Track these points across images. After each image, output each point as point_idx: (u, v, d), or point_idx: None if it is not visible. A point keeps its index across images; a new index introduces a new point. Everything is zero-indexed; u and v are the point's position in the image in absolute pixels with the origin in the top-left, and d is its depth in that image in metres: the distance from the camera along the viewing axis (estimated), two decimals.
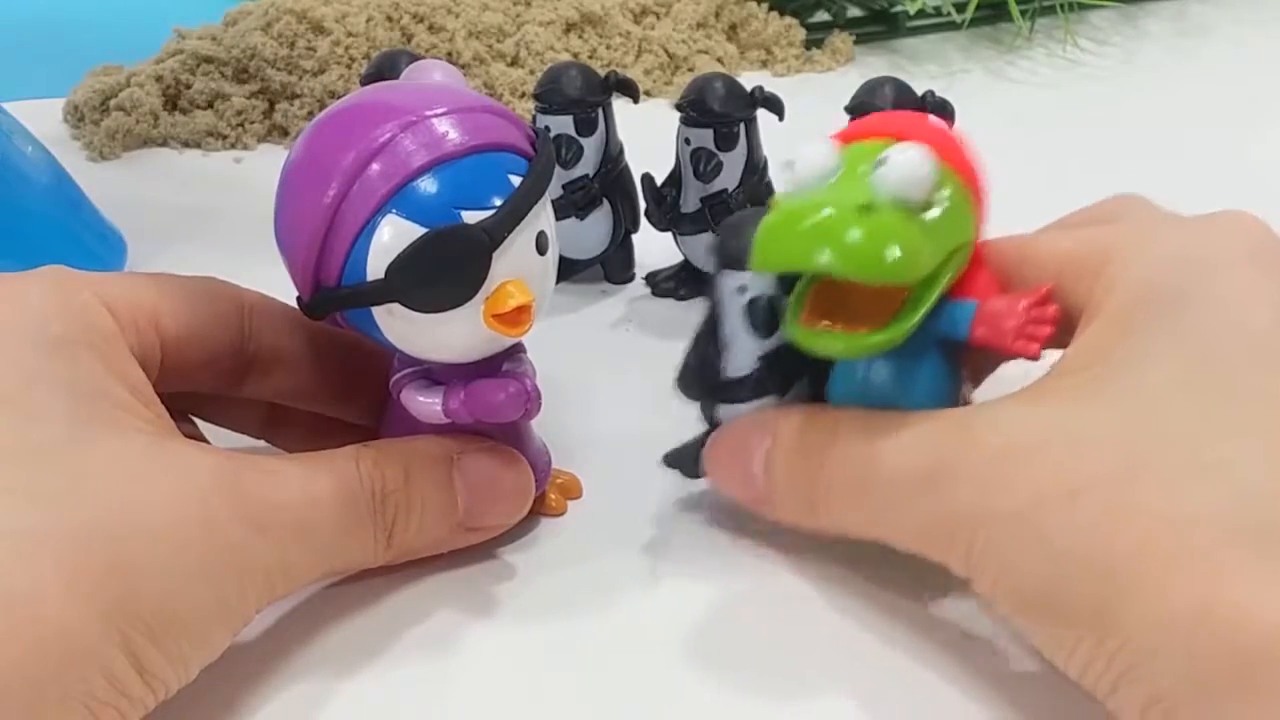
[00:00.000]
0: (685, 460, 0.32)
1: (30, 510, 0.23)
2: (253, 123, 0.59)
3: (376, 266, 0.26)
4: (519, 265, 0.27)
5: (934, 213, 0.26)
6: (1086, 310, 0.27)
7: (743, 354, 0.30)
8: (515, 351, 0.30)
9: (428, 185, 0.26)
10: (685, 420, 0.31)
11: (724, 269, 0.29)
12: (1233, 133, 0.58)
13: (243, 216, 0.51)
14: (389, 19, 0.62)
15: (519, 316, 0.27)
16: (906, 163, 0.26)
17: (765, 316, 0.29)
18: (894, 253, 0.25)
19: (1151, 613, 0.22)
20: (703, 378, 0.30)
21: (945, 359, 0.28)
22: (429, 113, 0.27)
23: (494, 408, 0.28)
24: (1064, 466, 0.24)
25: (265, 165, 0.57)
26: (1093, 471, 0.23)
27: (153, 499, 0.24)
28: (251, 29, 0.60)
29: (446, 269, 0.26)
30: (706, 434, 0.31)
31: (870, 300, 0.26)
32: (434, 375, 0.29)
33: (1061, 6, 0.71)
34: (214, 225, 0.50)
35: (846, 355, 0.28)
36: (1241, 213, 0.27)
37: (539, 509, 0.32)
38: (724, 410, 0.31)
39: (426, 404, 0.29)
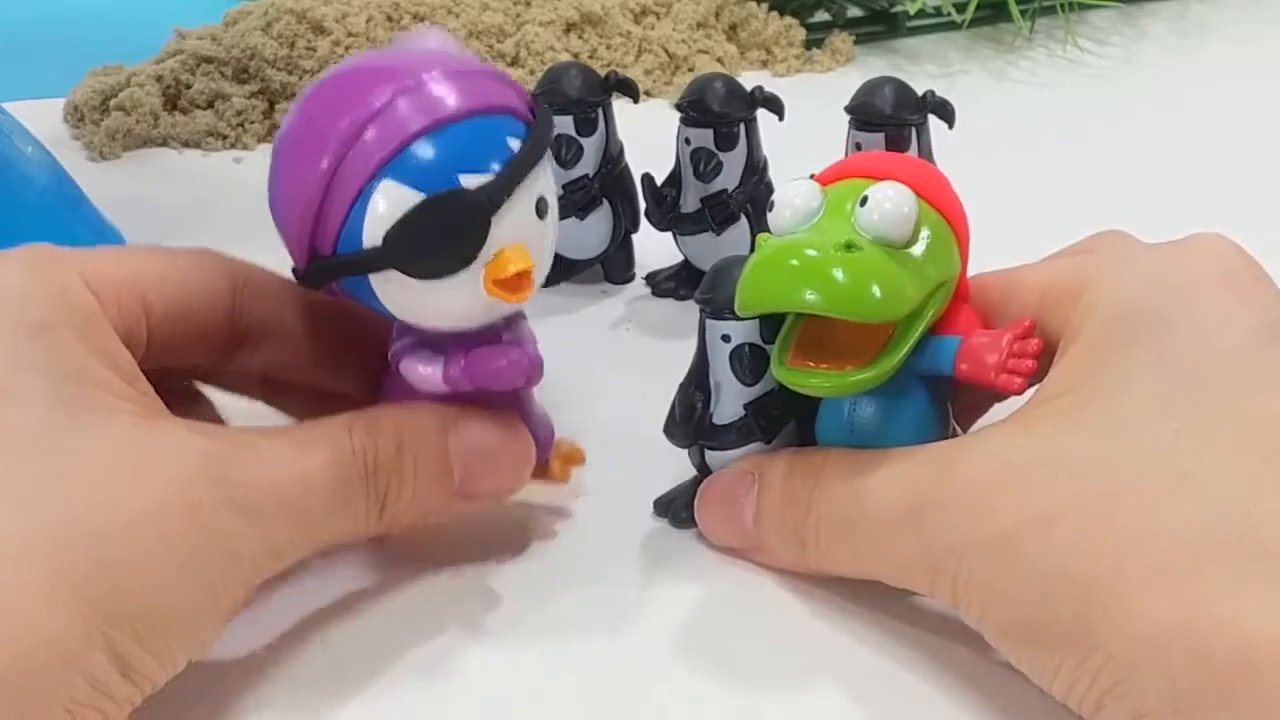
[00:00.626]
0: (675, 508, 0.32)
1: (9, 509, 0.23)
2: (253, 123, 0.59)
3: (373, 233, 0.26)
4: (518, 230, 0.27)
5: (916, 250, 0.27)
6: (1064, 335, 0.27)
7: (729, 401, 0.30)
8: (516, 319, 0.30)
9: (424, 150, 0.26)
10: (693, 467, 0.32)
11: (709, 318, 0.30)
12: (1233, 133, 0.58)
13: (242, 217, 0.51)
14: (389, 19, 0.62)
15: (519, 282, 0.27)
16: (887, 201, 0.26)
17: (750, 364, 0.30)
18: (877, 291, 0.25)
19: (1130, 631, 0.22)
20: (690, 425, 0.31)
21: (931, 395, 0.28)
22: (425, 75, 0.26)
23: (494, 375, 0.28)
24: (1041, 492, 0.24)
25: (265, 165, 0.56)
26: (1070, 495, 0.24)
27: (135, 489, 0.24)
28: (251, 29, 0.60)
29: (444, 235, 0.26)
30: (695, 480, 0.32)
31: (854, 339, 0.27)
32: (433, 344, 0.28)
33: (1061, 6, 0.71)
34: (214, 225, 0.50)
35: (832, 393, 0.28)
36: (1213, 235, 0.28)
37: (541, 477, 0.31)
38: (712, 456, 0.31)
39: (426, 373, 0.28)
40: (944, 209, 0.28)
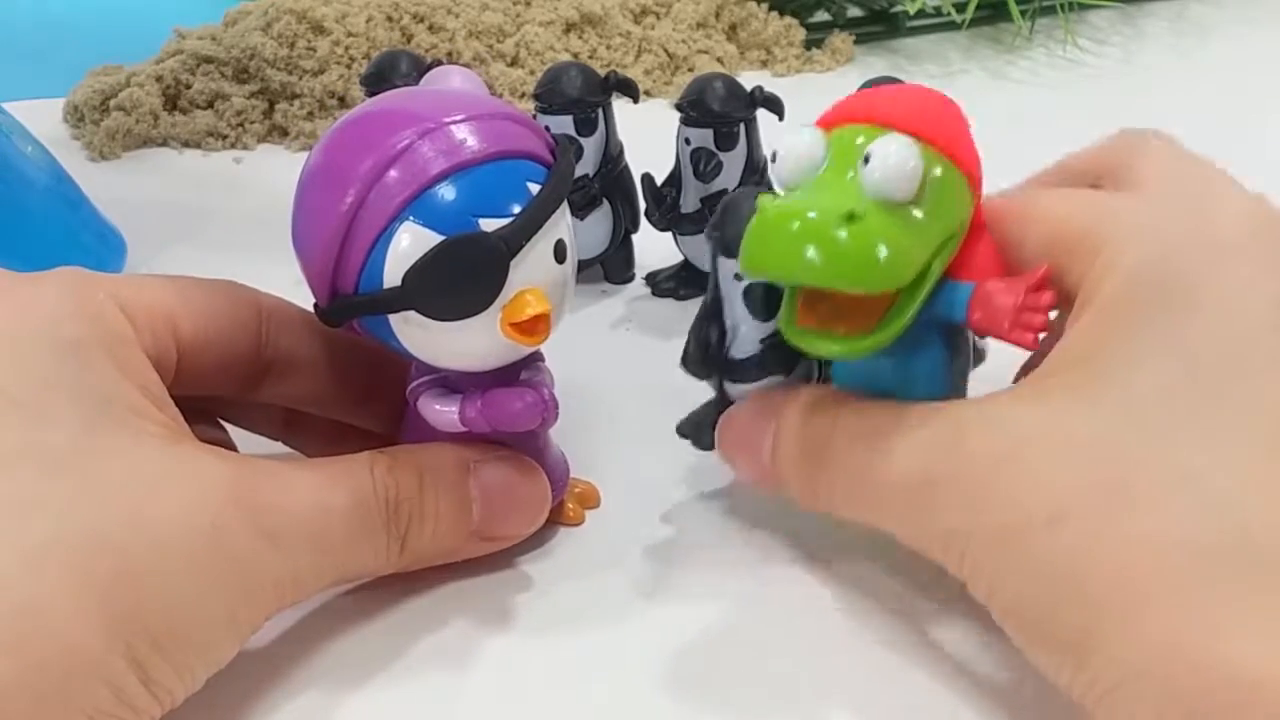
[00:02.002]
0: (698, 431, 0.32)
1: (39, 520, 0.23)
2: (253, 123, 0.59)
3: (393, 274, 0.26)
4: (537, 274, 0.27)
5: (922, 207, 0.26)
6: (1081, 294, 0.26)
7: (745, 337, 0.30)
8: (534, 360, 0.30)
9: (445, 192, 0.26)
10: (714, 391, 0.31)
11: (720, 255, 0.29)
12: (1233, 133, 0.58)
13: (243, 216, 0.51)
14: (389, 19, 0.62)
15: (536, 326, 0.27)
16: (891, 158, 0.25)
17: (764, 300, 0.29)
18: (881, 259, 0.25)
19: (1127, 645, 0.22)
20: (708, 358, 0.30)
21: (945, 341, 0.28)
22: (447, 119, 0.27)
23: (511, 417, 0.28)
24: (1046, 479, 0.24)
25: (265, 165, 0.57)
26: (1074, 485, 0.24)
27: (162, 508, 0.24)
28: (251, 29, 0.60)
29: (464, 277, 0.26)
30: (715, 401, 0.31)
31: (861, 297, 0.26)
32: (451, 383, 0.29)
33: (1061, 6, 0.71)
34: (214, 225, 0.50)
35: (842, 358, 0.28)
36: (1249, 194, 0.27)
37: (556, 519, 0.32)
38: (731, 387, 0.31)
39: (443, 412, 0.28)
40: (952, 151, 0.27)
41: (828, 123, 0.28)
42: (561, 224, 0.28)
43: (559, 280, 0.28)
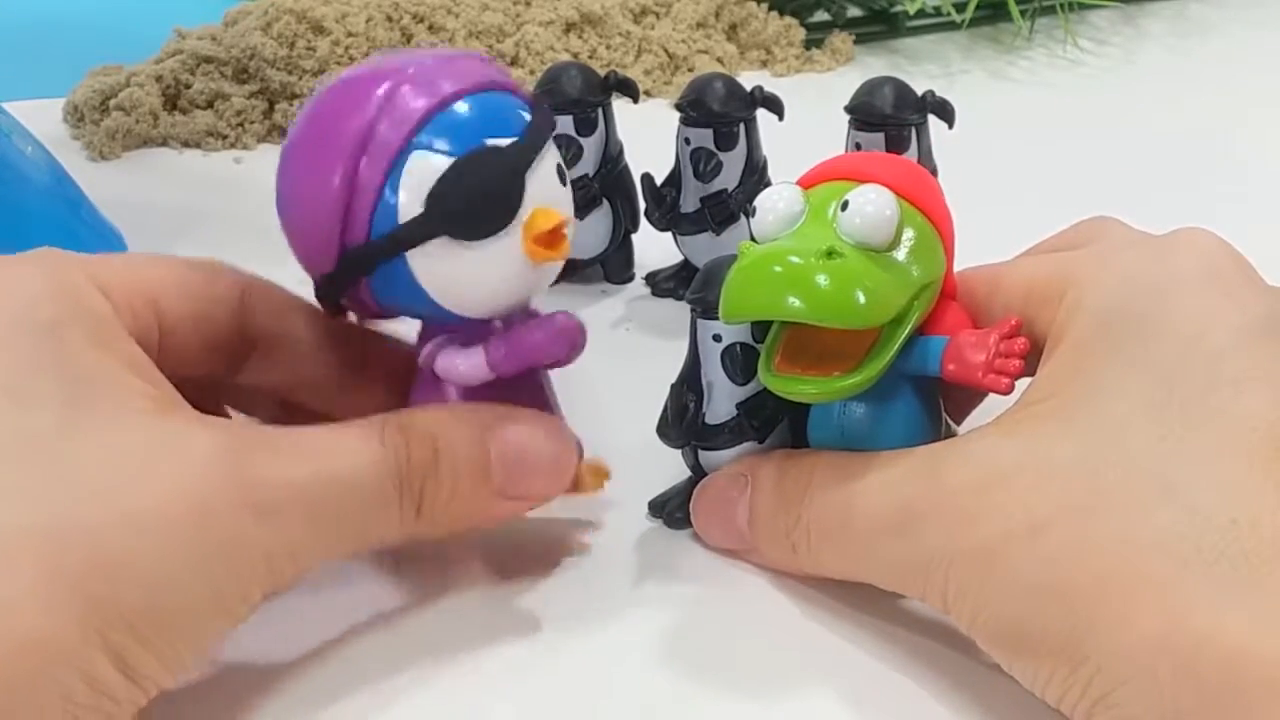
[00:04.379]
0: (670, 510, 0.32)
1: (12, 507, 0.23)
2: (253, 123, 0.59)
3: (410, 205, 0.26)
4: (547, 192, 0.27)
5: (899, 253, 0.27)
6: (1050, 336, 0.27)
7: (721, 401, 0.30)
8: (532, 311, 0.30)
9: (448, 119, 0.27)
10: (686, 468, 0.32)
11: (700, 318, 0.30)
12: (1233, 133, 0.58)
13: (243, 216, 0.51)
14: (389, 19, 0.62)
15: (556, 238, 0.27)
16: (869, 205, 0.26)
17: (742, 363, 0.30)
18: (861, 297, 0.25)
19: (1118, 642, 0.22)
20: (683, 425, 0.31)
21: (920, 396, 0.28)
22: (430, 60, 0.27)
23: (540, 347, 0.28)
24: (1027, 500, 0.24)
25: (265, 165, 0.56)
26: (1055, 503, 0.24)
27: (143, 489, 0.23)
28: (251, 29, 0.60)
29: (487, 190, 0.26)
30: (689, 481, 0.32)
31: (840, 344, 0.27)
32: (464, 339, 0.28)
33: (1061, 6, 0.71)
34: (214, 225, 0.50)
35: (819, 400, 0.28)
36: (1198, 230, 0.28)
37: (574, 489, 0.30)
38: (705, 456, 0.31)
39: (468, 363, 0.28)
40: (927, 209, 0.28)
41: (806, 183, 0.28)
42: (554, 151, 0.28)
43: (565, 200, 0.28)
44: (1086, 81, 0.67)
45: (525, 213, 0.27)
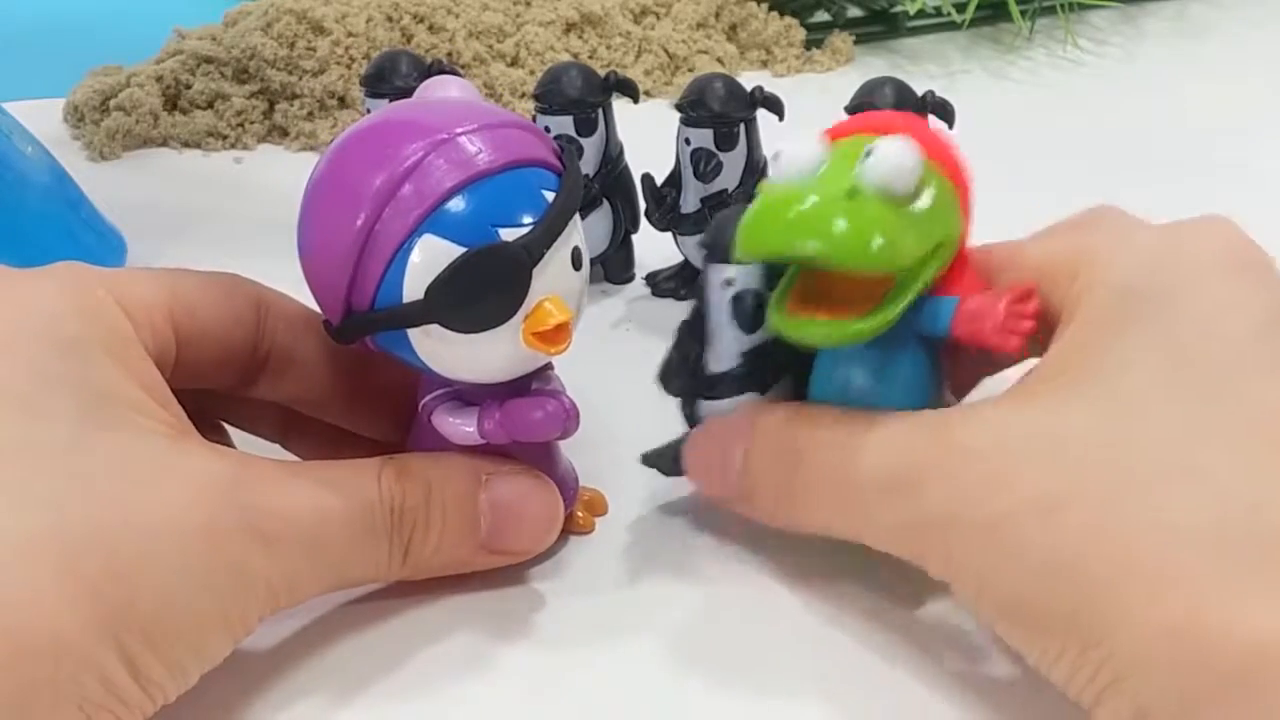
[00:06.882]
0: (664, 460, 0.32)
1: (30, 512, 0.23)
2: (253, 123, 0.59)
3: (414, 288, 0.26)
4: (556, 282, 0.27)
5: (919, 205, 0.26)
6: (1064, 313, 0.27)
7: (727, 349, 0.30)
8: (544, 370, 0.30)
9: (463, 204, 0.26)
10: (682, 421, 0.31)
11: (712, 262, 0.29)
12: (1233, 133, 0.58)
13: (243, 216, 0.51)
14: (389, 19, 0.62)
15: (559, 334, 0.27)
16: (893, 154, 0.26)
17: (751, 311, 0.29)
18: (878, 240, 0.25)
19: (1135, 627, 0.22)
20: (685, 372, 0.30)
21: (926, 357, 0.28)
22: (459, 130, 0.26)
23: (532, 426, 0.28)
24: (1043, 472, 0.24)
25: (265, 165, 0.57)
26: (1071, 481, 0.23)
27: (155, 503, 0.24)
28: (251, 29, 0.60)
29: (488, 287, 0.26)
30: (686, 435, 0.31)
31: (854, 292, 0.26)
32: (465, 396, 0.28)
33: (1061, 6, 0.71)
34: (214, 225, 0.50)
35: (829, 343, 0.27)
36: (1218, 218, 0.27)
37: (567, 528, 0.31)
38: (704, 407, 0.31)
39: (460, 426, 0.28)
40: (950, 172, 0.27)
41: (834, 135, 0.28)
42: (575, 231, 0.28)
43: (577, 288, 0.28)
44: (1086, 81, 0.67)
45: (530, 304, 0.26)
